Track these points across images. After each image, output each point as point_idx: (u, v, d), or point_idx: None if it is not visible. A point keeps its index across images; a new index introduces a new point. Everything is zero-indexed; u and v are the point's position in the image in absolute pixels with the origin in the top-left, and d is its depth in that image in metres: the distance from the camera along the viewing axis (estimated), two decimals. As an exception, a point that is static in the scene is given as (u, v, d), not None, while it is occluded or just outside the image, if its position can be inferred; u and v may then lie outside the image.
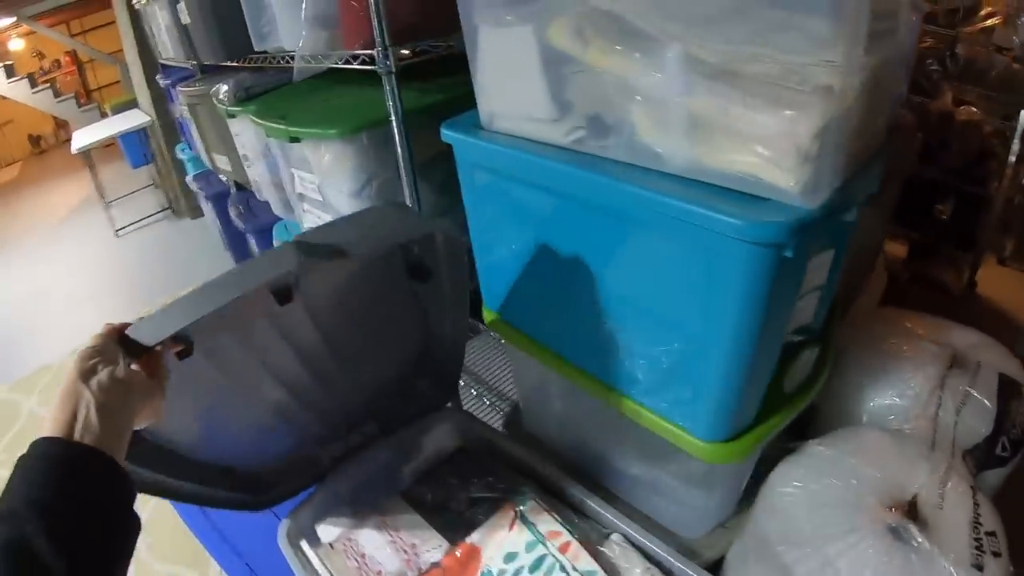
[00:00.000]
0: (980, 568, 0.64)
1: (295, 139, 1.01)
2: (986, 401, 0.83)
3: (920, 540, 0.65)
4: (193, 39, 1.52)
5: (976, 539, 0.67)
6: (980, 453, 0.82)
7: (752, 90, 0.52)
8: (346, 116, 0.98)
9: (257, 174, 1.49)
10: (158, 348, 0.54)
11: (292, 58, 1.06)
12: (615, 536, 0.84)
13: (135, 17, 2.71)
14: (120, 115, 3.35)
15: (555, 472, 0.92)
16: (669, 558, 0.79)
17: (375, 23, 0.78)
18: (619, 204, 0.61)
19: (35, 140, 7.72)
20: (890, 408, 0.85)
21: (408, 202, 0.94)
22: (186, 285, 2.51)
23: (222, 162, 1.79)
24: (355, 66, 0.87)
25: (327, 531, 0.93)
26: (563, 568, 0.79)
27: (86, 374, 0.47)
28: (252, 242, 1.89)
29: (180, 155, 2.71)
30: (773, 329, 0.61)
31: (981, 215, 1.56)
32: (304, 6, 0.86)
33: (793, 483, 0.73)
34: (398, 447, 1.03)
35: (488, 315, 0.95)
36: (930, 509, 0.69)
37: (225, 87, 1.39)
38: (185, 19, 1.45)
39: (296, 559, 0.88)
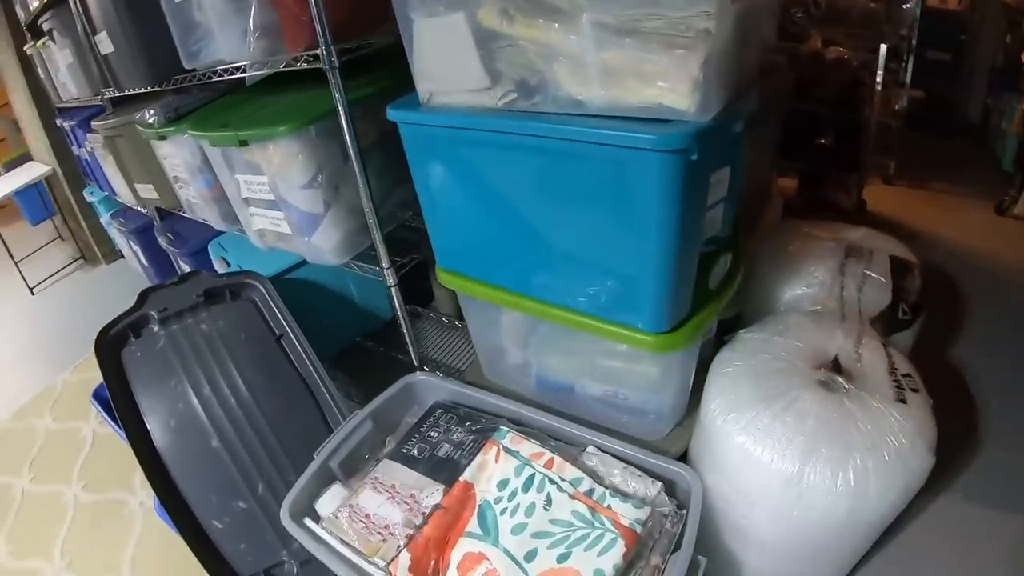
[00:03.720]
0: (904, 401, 0.79)
1: (244, 143, 1.07)
2: (881, 278, 1.02)
3: (848, 387, 0.80)
4: (115, 69, 1.51)
5: (895, 381, 0.82)
6: (885, 319, 1.00)
7: (650, 39, 0.66)
8: (292, 114, 1.04)
9: (191, 194, 1.50)
10: None
11: (227, 71, 1.11)
12: (589, 448, 0.95)
13: (25, 65, 2.59)
14: (14, 171, 3.15)
15: (524, 407, 1.02)
16: (640, 456, 0.91)
17: (317, 24, 0.86)
18: (552, 144, 0.72)
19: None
20: (801, 297, 1.02)
21: (360, 184, 1.01)
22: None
23: (147, 191, 1.76)
24: (300, 66, 0.95)
25: (325, 505, 0.98)
26: (552, 480, 0.89)
27: None
28: (185, 266, 1.87)
29: (89, 198, 2.60)
30: (690, 229, 0.74)
31: (859, 137, 1.82)
32: (252, 15, 0.93)
33: (734, 363, 0.87)
34: (373, 418, 1.10)
35: (442, 275, 1.03)
36: (850, 363, 0.84)
37: (152, 111, 1.41)
38: (107, 48, 1.44)
39: (304, 535, 0.93)
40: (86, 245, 3.13)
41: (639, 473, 0.90)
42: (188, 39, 1.17)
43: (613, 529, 0.82)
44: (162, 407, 1.19)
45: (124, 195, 2.04)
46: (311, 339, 1.29)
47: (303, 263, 1.48)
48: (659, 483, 0.88)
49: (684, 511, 0.85)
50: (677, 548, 0.80)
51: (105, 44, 1.41)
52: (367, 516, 0.93)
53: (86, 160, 2.42)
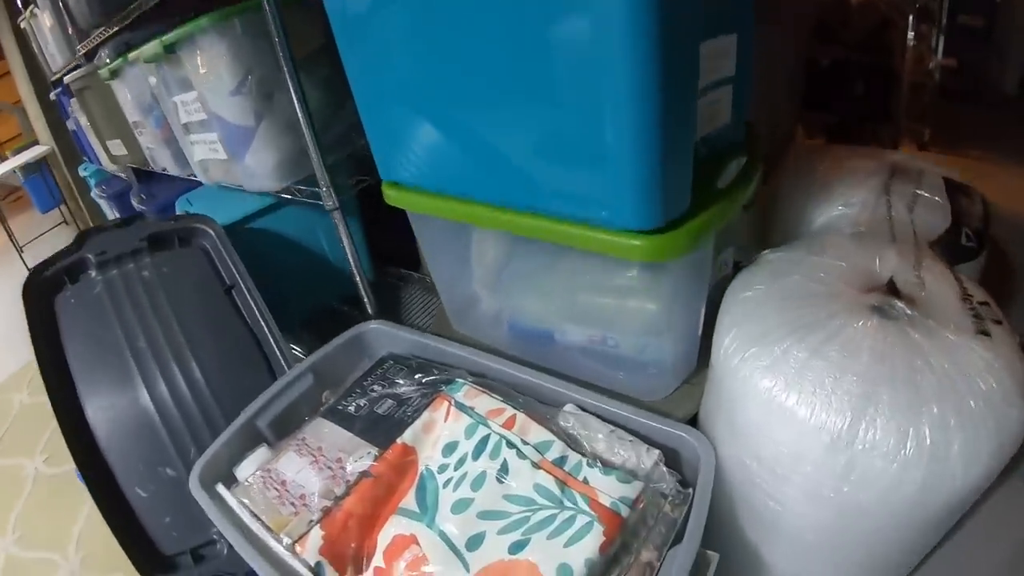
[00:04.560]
0: (987, 334, 0.57)
1: (170, 48, 0.91)
2: (937, 198, 0.79)
3: (911, 312, 0.58)
4: (72, 11, 1.39)
5: (971, 309, 0.60)
6: (946, 244, 0.77)
7: None
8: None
9: (148, 139, 1.37)
10: None
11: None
12: (568, 406, 0.74)
13: (23, 44, 2.55)
14: (19, 154, 3.14)
15: (490, 357, 0.82)
16: (631, 415, 0.70)
17: None
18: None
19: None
20: (838, 219, 0.79)
21: (291, 90, 0.84)
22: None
23: (116, 147, 1.65)
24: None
25: (246, 470, 0.79)
26: (511, 444, 0.69)
27: None
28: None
29: (83, 173, 2.52)
30: (677, 73, 0.52)
31: (891, 85, 1.58)
32: None
33: (754, 287, 0.65)
34: (314, 373, 0.92)
35: (387, 191, 0.84)
36: (910, 288, 0.61)
37: (105, 51, 1.29)
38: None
39: (210, 503, 0.75)
40: (85, 225, 3.07)
41: (630, 438, 0.69)
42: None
43: (589, 510, 0.60)
44: (90, 358, 1.04)
45: (102, 158, 1.93)
46: (275, 298, 1.13)
47: (267, 210, 1.31)
48: (656, 451, 0.67)
49: (690, 490, 0.63)
50: (679, 540, 0.58)
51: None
52: (283, 483, 0.74)
53: (76, 132, 2.34)
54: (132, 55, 1.07)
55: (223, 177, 1.09)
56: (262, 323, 1.13)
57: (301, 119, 0.86)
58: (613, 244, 0.60)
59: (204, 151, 1.05)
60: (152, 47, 0.95)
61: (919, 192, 0.80)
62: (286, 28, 0.82)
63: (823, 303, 0.60)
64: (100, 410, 1.00)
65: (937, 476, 0.51)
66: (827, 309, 0.59)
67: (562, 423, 0.72)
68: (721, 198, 0.63)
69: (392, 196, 0.82)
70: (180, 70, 0.96)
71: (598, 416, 0.73)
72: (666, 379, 0.79)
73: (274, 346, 1.11)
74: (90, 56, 1.71)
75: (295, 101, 0.85)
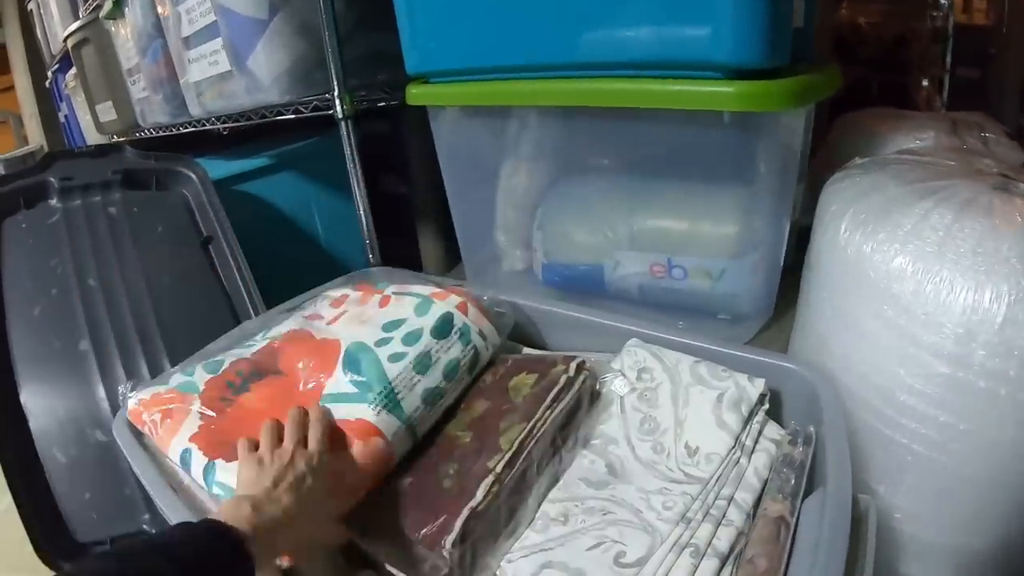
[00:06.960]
0: None
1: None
2: (1004, 139, 0.70)
3: None
4: None
5: None
6: None
7: None
8: None
9: (142, 87, 1.25)
10: None
11: None
12: (631, 341, 0.56)
13: (28, 31, 2.50)
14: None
15: (517, 293, 0.66)
16: (721, 349, 0.52)
17: None
18: None
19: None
20: (916, 149, 0.68)
21: None
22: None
23: (106, 112, 1.52)
24: None
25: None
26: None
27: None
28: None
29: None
30: None
31: (907, 101, 1.52)
32: None
33: (854, 176, 0.51)
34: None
35: (413, 91, 0.72)
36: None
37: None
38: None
39: (131, 440, 0.57)
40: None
41: (722, 368, 0.51)
42: None
43: None
44: (30, 289, 0.87)
45: (89, 133, 1.81)
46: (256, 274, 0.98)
47: (256, 173, 1.17)
48: (761, 379, 0.49)
49: (811, 428, 0.46)
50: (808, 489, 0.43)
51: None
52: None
53: (67, 120, 2.25)
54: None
55: (217, 100, 0.96)
56: (238, 279, 0.97)
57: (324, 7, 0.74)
58: (706, 95, 0.47)
59: (202, 69, 0.93)
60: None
61: (986, 134, 0.72)
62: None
63: (942, 176, 0.48)
64: (28, 345, 0.82)
65: None
66: (950, 180, 0.47)
67: (627, 360, 0.55)
68: (814, 72, 0.52)
69: (418, 94, 0.69)
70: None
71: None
72: (739, 327, 0.63)
73: (248, 304, 0.95)
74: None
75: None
